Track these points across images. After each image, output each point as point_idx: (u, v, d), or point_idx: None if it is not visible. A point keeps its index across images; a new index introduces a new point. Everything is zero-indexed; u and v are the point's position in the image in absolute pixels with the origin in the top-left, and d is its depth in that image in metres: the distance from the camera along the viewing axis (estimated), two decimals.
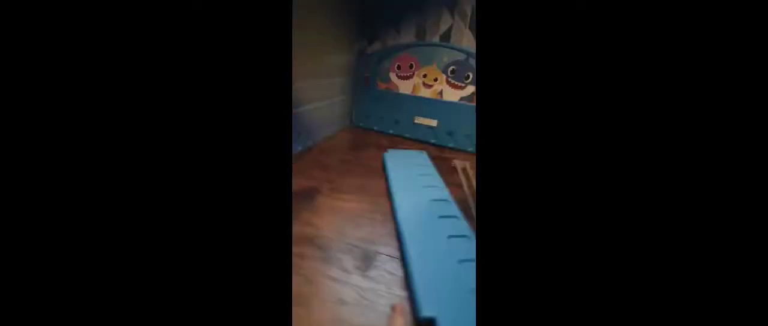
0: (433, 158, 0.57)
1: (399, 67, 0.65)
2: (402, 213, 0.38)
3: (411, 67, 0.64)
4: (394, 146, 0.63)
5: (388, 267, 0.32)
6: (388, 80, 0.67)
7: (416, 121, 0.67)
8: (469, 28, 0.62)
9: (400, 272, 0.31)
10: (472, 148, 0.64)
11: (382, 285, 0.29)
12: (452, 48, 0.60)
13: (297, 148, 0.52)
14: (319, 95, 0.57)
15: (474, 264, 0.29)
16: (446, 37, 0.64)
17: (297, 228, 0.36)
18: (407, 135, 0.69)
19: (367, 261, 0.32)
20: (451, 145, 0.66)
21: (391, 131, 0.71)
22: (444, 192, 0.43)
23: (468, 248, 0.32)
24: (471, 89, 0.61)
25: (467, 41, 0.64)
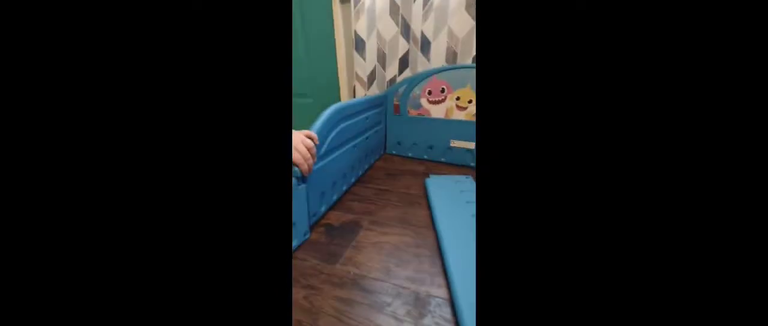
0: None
1: (430, 93, 0.64)
2: (450, 252, 0.34)
3: (442, 91, 0.63)
4: (429, 172, 0.61)
5: (443, 313, 0.28)
6: (419, 106, 0.66)
7: (452, 145, 0.64)
8: None
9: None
10: None
11: None
12: None
13: (342, 188, 0.52)
14: (359, 130, 0.58)
15: None
16: None
17: (341, 268, 0.34)
18: (443, 159, 0.67)
19: (418, 306, 0.29)
20: None
21: (425, 156, 0.69)
22: None
23: None
24: None
25: None
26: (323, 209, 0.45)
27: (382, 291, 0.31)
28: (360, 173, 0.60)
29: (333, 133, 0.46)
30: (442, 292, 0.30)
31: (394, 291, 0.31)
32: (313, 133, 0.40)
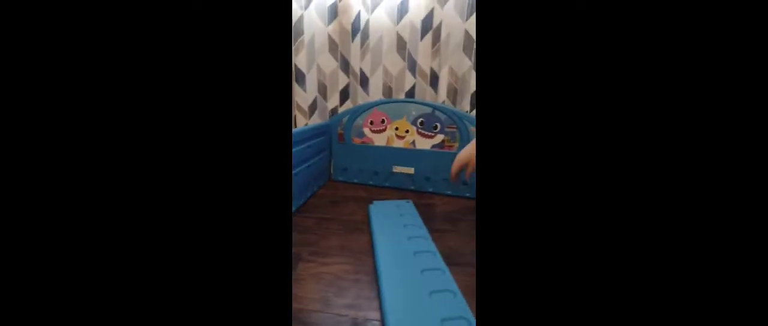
0: (415, 205, 0.58)
1: (371, 122, 0.69)
2: (384, 275, 0.37)
3: (383, 122, 0.68)
4: (373, 197, 0.64)
5: None
6: (362, 135, 0.70)
7: (395, 170, 0.69)
8: (430, 85, 0.70)
9: None
10: (450, 191, 0.66)
11: None
12: (419, 103, 0.66)
13: None
14: (301, 158, 0.58)
15: (459, 322, 0.29)
16: (411, 94, 0.71)
17: None
18: (387, 184, 0.71)
19: None
20: (430, 189, 0.68)
21: (371, 182, 0.72)
22: (428, 242, 0.43)
23: (452, 303, 0.31)
24: (440, 137, 0.65)
25: (430, 97, 0.70)
26: None
27: (319, 322, 0.31)
28: (302, 202, 0.60)
29: None
30: (379, 314, 0.32)
31: (332, 320, 0.32)
32: None
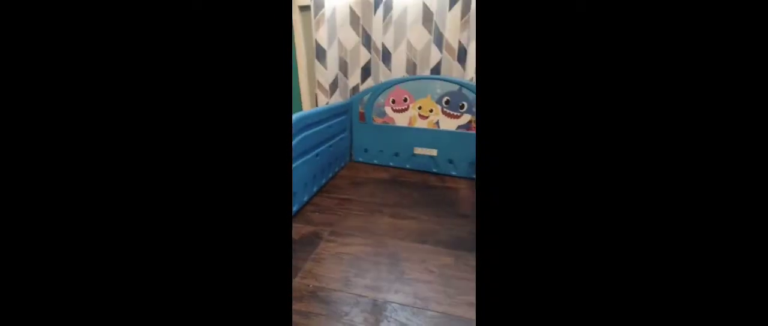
0: (433, 187, 0.56)
1: (393, 101, 0.66)
2: None
3: (405, 100, 0.65)
4: (394, 179, 0.63)
5: (400, 317, 0.29)
6: (383, 114, 0.68)
7: (416, 152, 0.67)
8: (458, 60, 0.65)
9: (415, 321, 0.29)
10: (475, 176, 0.63)
11: None
12: (444, 80, 0.61)
13: (303, 198, 0.51)
14: (322, 138, 0.57)
15: None
16: (436, 70, 0.66)
17: (299, 282, 0.34)
18: (408, 166, 0.69)
19: (375, 312, 0.30)
20: (453, 172, 0.65)
21: (391, 163, 0.70)
22: None
23: None
24: (467, 118, 0.61)
25: (457, 73, 0.65)
26: None
27: (340, 301, 0.31)
28: (323, 182, 0.60)
29: (294, 142, 0.46)
30: (401, 298, 0.31)
31: (352, 300, 0.31)
32: None
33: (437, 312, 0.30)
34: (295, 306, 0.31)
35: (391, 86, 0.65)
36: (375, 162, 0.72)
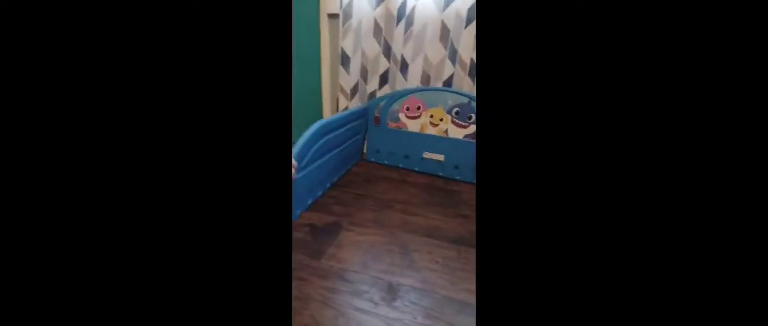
0: (439, 189, 0.61)
1: (408, 109, 0.72)
2: None
3: (418, 108, 0.71)
4: (403, 178, 0.68)
5: (411, 297, 0.35)
6: (397, 120, 0.73)
7: (425, 156, 0.73)
8: (469, 75, 0.70)
9: (424, 301, 0.34)
10: None
11: (408, 315, 0.32)
12: (456, 92, 0.67)
13: (318, 193, 0.57)
14: (340, 140, 0.63)
15: None
16: (448, 83, 0.72)
17: (325, 263, 0.40)
18: (416, 168, 0.74)
19: (391, 292, 0.36)
20: (458, 177, 0.71)
21: (400, 165, 0.76)
22: None
23: None
24: (474, 128, 0.67)
25: (467, 87, 0.71)
26: (299, 212, 0.51)
27: (360, 281, 0.37)
28: (335, 179, 0.66)
29: (314, 147, 0.52)
30: (413, 282, 0.37)
31: (371, 281, 0.37)
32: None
33: (442, 295, 0.36)
34: (324, 282, 0.37)
35: (407, 95, 0.71)
36: (385, 162, 0.78)
